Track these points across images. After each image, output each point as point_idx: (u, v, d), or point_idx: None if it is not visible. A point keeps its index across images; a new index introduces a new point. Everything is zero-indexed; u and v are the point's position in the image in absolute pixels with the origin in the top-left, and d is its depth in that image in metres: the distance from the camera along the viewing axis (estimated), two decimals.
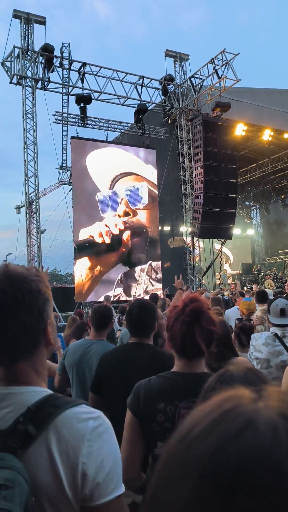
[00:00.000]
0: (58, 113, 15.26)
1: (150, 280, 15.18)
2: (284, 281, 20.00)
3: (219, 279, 18.46)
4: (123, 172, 14.84)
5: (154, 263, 15.35)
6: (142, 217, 15.08)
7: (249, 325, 3.93)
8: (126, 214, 14.66)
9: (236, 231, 15.39)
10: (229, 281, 20.87)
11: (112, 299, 12.61)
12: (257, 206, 29.26)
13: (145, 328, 2.49)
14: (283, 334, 3.10)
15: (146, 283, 14.99)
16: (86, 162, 14.20)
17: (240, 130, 14.89)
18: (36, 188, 12.82)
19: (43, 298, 1.04)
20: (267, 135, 16.32)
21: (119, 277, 14.33)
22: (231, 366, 2.51)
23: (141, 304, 2.50)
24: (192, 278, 15.46)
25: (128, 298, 12.96)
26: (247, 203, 28.85)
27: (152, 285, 14.96)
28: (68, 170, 19.89)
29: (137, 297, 10.58)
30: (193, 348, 1.61)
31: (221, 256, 14.86)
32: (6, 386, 1.00)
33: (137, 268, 14.90)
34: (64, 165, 20.28)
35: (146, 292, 14.71)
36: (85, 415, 0.97)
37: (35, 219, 12.79)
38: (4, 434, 0.91)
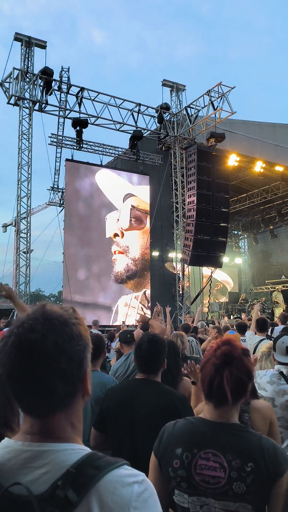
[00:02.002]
0: (53, 135, 15.34)
1: (144, 309, 15.06)
2: (271, 311, 20.05)
3: (208, 307, 18.42)
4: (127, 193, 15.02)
5: (148, 292, 15.28)
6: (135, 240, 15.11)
7: None
8: (116, 235, 14.70)
9: (224, 259, 15.42)
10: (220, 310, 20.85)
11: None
12: (245, 236, 29.56)
13: (154, 365, 2.40)
14: None
15: (139, 311, 14.89)
16: (96, 180, 14.42)
17: (233, 160, 15.14)
18: (28, 208, 12.74)
19: (84, 344, 0.96)
20: (258, 166, 16.62)
21: (113, 302, 14.19)
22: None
23: (151, 340, 2.41)
24: (181, 305, 15.37)
25: (117, 324, 12.78)
26: (236, 232, 29.14)
27: (144, 313, 14.85)
28: (59, 192, 19.90)
29: (124, 325, 10.43)
30: (218, 394, 1.51)
31: (210, 284, 14.81)
32: (40, 442, 0.89)
33: (130, 295, 14.82)
34: (55, 186, 20.30)
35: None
36: (129, 479, 0.86)
37: (24, 239, 12.66)
38: (41, 500, 0.80)
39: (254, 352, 5.00)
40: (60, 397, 0.91)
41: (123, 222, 14.96)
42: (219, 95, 13.34)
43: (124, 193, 15.15)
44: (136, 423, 2.27)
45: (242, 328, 6.49)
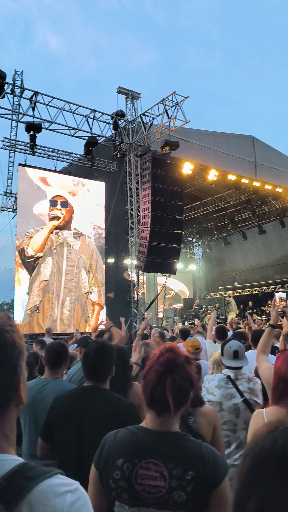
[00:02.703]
0: (6, 139, 15.03)
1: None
2: (224, 317, 20.46)
3: (163, 312, 18.56)
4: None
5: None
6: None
7: (196, 364, 3.89)
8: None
9: (178, 266, 15.61)
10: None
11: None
12: (199, 243, 30.08)
13: (102, 372, 2.38)
14: (236, 376, 3.10)
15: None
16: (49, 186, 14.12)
17: (187, 168, 15.40)
18: None
19: (18, 352, 0.93)
20: (212, 175, 16.99)
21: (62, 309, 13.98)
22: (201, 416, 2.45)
23: (98, 347, 2.39)
24: (135, 311, 15.39)
25: (72, 331, 12.60)
26: (190, 239, 29.61)
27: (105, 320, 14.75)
28: (12, 197, 19.50)
29: (77, 332, 10.31)
30: (161, 402, 1.50)
31: (165, 290, 14.94)
32: None
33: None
34: (8, 191, 19.88)
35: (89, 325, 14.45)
36: (62, 488, 0.85)
37: None
38: None
39: None
40: None
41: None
42: (174, 104, 13.55)
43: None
44: (82, 432, 2.24)
45: (184, 335, 6.44)
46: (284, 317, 3.55)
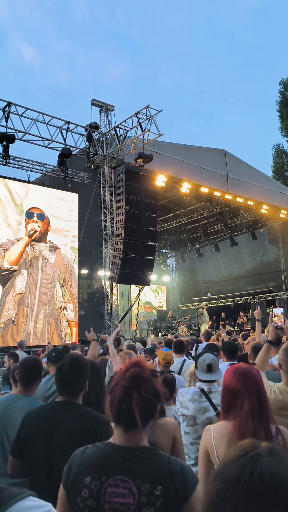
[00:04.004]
0: None
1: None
2: (197, 328, 20.57)
3: (136, 325, 18.51)
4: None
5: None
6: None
7: (171, 377, 3.88)
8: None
9: (152, 277, 15.65)
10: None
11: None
12: (173, 254, 30.26)
13: (75, 387, 2.35)
14: (209, 389, 3.11)
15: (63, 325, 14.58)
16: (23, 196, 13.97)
17: (160, 181, 15.54)
18: None
19: None
20: (185, 187, 17.18)
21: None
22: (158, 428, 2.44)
23: (72, 363, 2.37)
24: (109, 323, 15.31)
25: (41, 343, 12.42)
26: (164, 251, 29.76)
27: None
28: None
29: (49, 345, 10.17)
30: (127, 418, 1.48)
31: (138, 302, 14.93)
32: None
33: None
34: None
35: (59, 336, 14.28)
36: (34, 510, 0.84)
37: None
38: None
39: (179, 374, 5.09)
40: None
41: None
42: (147, 117, 13.70)
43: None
44: (54, 449, 2.20)
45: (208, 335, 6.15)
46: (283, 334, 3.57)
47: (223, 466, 0.83)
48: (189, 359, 5.50)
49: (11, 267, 13.44)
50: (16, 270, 13.54)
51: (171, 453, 2.45)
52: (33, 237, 14.17)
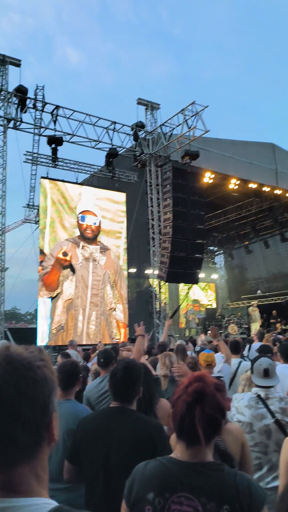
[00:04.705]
0: (28, 153, 15.26)
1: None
2: (247, 327, 20.14)
3: (185, 323, 18.41)
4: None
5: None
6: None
7: (222, 383, 3.78)
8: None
9: (200, 275, 15.49)
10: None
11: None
12: (221, 251, 29.84)
13: (130, 393, 2.33)
14: (266, 395, 2.98)
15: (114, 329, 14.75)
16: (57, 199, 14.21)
17: (207, 178, 15.35)
18: (3, 226, 12.54)
19: (49, 388, 0.90)
20: (232, 183, 16.89)
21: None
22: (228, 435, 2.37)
23: (126, 368, 2.34)
24: (158, 322, 15.30)
25: (93, 343, 12.57)
26: (212, 248, 29.40)
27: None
28: (35, 209, 19.75)
29: (100, 343, 10.25)
30: (190, 434, 1.42)
31: (187, 300, 14.83)
32: (2, 497, 0.81)
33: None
34: (31, 203, 20.16)
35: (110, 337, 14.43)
36: None
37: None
38: None
39: (234, 376, 4.96)
40: (23, 447, 0.84)
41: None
42: (193, 113, 13.54)
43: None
44: (110, 455, 2.18)
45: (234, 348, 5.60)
46: None
47: None
48: (246, 361, 5.34)
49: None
50: (69, 266, 13.80)
51: (240, 459, 2.37)
52: (85, 239, 14.42)
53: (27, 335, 15.70)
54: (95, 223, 14.76)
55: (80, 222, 14.44)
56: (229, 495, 1.38)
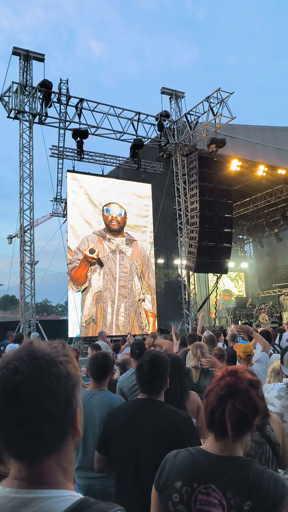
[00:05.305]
0: (54, 147, 15.38)
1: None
2: (279, 316, 19.86)
3: (215, 313, 18.29)
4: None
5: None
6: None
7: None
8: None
9: (229, 264, 15.31)
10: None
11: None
12: (250, 240, 29.40)
13: (157, 385, 2.32)
14: None
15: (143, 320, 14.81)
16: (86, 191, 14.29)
17: (234, 165, 15.09)
18: (32, 221, 12.72)
19: (73, 383, 0.90)
20: (261, 170, 16.56)
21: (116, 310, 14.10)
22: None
23: (153, 360, 2.33)
24: (187, 312, 15.26)
25: (122, 334, 12.67)
26: (241, 237, 29.00)
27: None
28: (62, 202, 19.93)
29: (130, 335, 10.30)
30: (219, 427, 1.42)
31: (216, 290, 14.71)
32: (29, 488, 0.83)
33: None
34: (58, 197, 20.34)
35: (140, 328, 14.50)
36: None
37: (29, 252, 12.64)
38: None
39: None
40: (48, 441, 0.86)
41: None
42: (218, 101, 13.33)
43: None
44: (139, 446, 2.19)
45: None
46: None
47: None
48: (276, 350, 5.24)
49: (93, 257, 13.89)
50: (95, 263, 13.91)
51: (282, 448, 2.34)
52: (111, 231, 14.47)
53: (59, 327, 15.98)
54: (120, 214, 14.79)
55: (105, 214, 14.49)
56: (254, 491, 1.37)
